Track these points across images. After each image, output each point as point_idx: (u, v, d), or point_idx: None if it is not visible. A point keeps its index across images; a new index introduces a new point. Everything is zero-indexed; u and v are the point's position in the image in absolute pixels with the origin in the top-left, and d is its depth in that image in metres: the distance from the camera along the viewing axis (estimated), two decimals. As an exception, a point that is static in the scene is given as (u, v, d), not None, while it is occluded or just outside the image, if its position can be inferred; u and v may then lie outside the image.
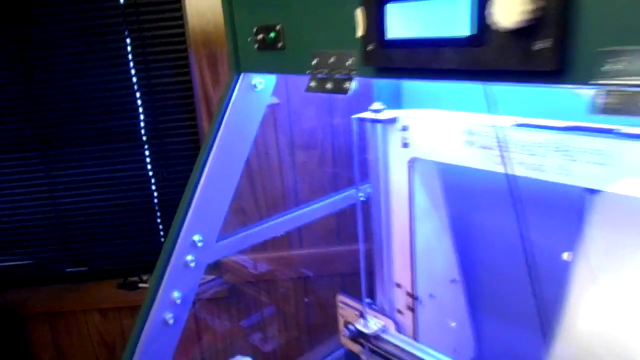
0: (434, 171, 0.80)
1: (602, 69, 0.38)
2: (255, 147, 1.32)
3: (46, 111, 1.55)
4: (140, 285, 1.67)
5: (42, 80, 1.52)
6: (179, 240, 0.71)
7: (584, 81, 0.39)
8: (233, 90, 0.75)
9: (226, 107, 0.75)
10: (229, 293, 1.53)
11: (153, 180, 1.65)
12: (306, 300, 1.51)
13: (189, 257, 0.73)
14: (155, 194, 1.66)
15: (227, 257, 1.46)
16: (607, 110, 0.39)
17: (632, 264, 0.64)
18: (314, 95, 1.31)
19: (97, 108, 1.56)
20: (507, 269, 0.86)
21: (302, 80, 0.65)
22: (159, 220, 1.68)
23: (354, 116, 0.76)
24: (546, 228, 0.76)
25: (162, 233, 1.69)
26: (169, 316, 0.73)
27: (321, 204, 0.91)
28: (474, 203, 0.86)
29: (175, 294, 0.73)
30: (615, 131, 0.55)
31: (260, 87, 0.76)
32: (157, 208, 1.67)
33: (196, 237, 0.73)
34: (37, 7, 1.44)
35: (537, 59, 0.40)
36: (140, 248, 1.70)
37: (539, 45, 0.40)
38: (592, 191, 0.62)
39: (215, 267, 1.49)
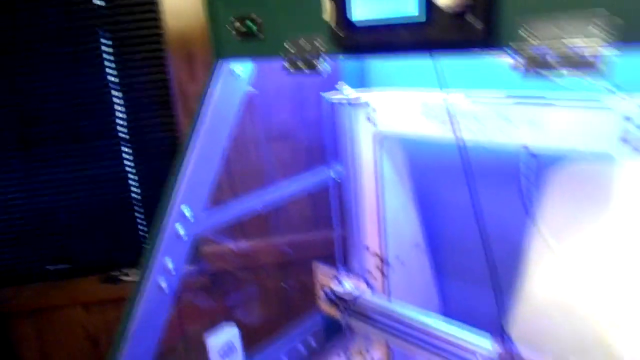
0: (398, 145, 0.90)
1: (520, 36, 0.48)
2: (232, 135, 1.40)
3: (24, 111, 1.59)
4: (123, 278, 1.72)
5: (20, 81, 1.55)
6: (169, 210, 0.79)
7: (506, 46, 0.49)
8: (215, 76, 0.83)
9: (209, 92, 0.83)
10: (212, 283, 1.59)
11: (132, 177, 1.71)
12: (285, 285, 1.59)
13: (179, 226, 0.80)
14: (135, 190, 1.72)
15: (209, 247, 1.52)
16: (526, 71, 0.48)
17: (582, 228, 0.73)
18: (288, 85, 1.40)
19: (75, 107, 1.61)
20: (468, 235, 0.96)
21: (278, 69, 0.73)
22: (138, 216, 1.74)
23: (323, 93, 0.85)
24: (502, 196, 0.86)
25: (142, 228, 1.74)
26: (163, 283, 0.81)
27: (296, 183, 1.00)
28: (435, 174, 0.96)
29: (168, 261, 0.80)
30: (542, 98, 0.66)
31: (239, 73, 0.85)
32: (136, 203, 1.72)
33: (185, 208, 0.81)
34: (14, 8, 1.48)
35: (471, 31, 0.50)
36: (121, 243, 1.74)
37: (471, 19, 0.50)
38: (534, 156, 0.72)
39: (198, 259, 1.55)
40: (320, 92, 0.90)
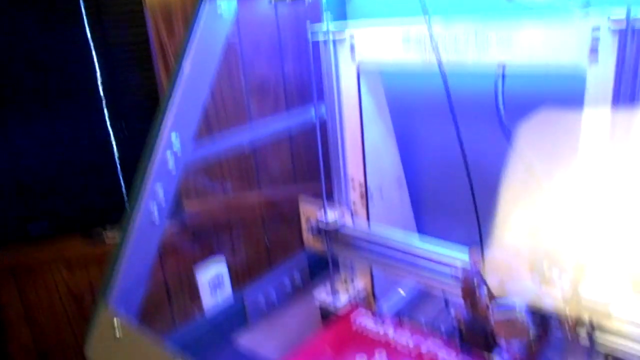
0: (379, 79, 0.93)
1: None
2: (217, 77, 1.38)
3: (0, 69, 1.57)
4: (106, 237, 1.72)
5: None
6: (160, 138, 0.81)
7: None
8: (200, 11, 0.85)
9: (195, 27, 0.85)
10: (193, 238, 1.61)
11: (112, 136, 1.71)
12: (266, 239, 1.62)
13: (169, 154, 0.82)
14: (115, 148, 1.72)
15: (193, 202, 1.54)
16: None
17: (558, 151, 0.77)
18: (270, 28, 1.40)
19: (53, 66, 1.59)
20: (446, 165, 1.01)
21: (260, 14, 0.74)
22: (119, 174, 1.74)
23: (308, 25, 0.87)
24: (480, 124, 0.90)
25: (123, 185, 1.75)
26: (154, 210, 0.83)
27: (281, 122, 1.02)
28: (414, 107, 1.00)
29: (159, 188, 0.83)
30: (516, 18, 0.70)
31: (223, 10, 0.86)
32: (117, 162, 1.73)
33: (174, 136, 0.83)
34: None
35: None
36: (103, 202, 1.75)
37: None
38: (504, 76, 0.76)
39: (178, 214, 1.57)
40: (305, 24, 0.91)
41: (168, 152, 0.83)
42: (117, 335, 0.72)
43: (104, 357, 0.76)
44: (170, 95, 0.83)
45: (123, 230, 0.82)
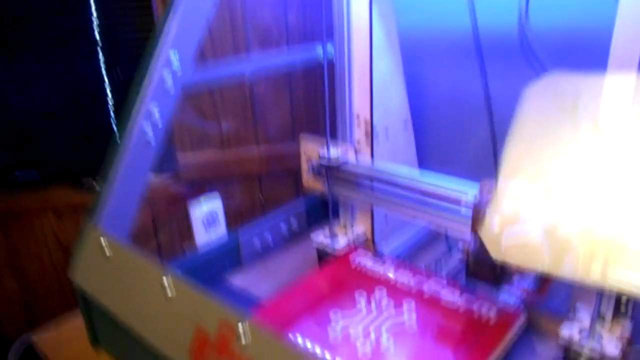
0: (391, 7, 0.89)
1: None
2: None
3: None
4: (96, 186, 1.68)
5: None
6: (157, 55, 0.76)
7: None
8: None
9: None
10: (186, 190, 1.57)
11: (107, 82, 1.65)
12: (261, 194, 1.58)
13: (166, 73, 0.78)
14: (109, 95, 1.67)
15: (183, 158, 1.49)
16: None
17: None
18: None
19: (46, 7, 1.54)
20: (455, 110, 0.97)
21: None
22: (113, 122, 1.69)
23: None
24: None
25: (117, 135, 1.70)
26: (149, 130, 0.79)
27: (286, 56, 0.98)
28: (428, 43, 0.95)
29: (154, 108, 0.78)
30: None
31: None
32: (111, 110, 1.68)
33: (173, 54, 0.78)
34: None
35: None
36: (94, 151, 1.70)
37: None
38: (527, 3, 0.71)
39: (170, 165, 1.52)
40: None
41: (165, 71, 0.78)
42: (108, 255, 0.68)
43: (91, 279, 0.72)
44: (170, 12, 0.78)
45: (114, 150, 0.78)
